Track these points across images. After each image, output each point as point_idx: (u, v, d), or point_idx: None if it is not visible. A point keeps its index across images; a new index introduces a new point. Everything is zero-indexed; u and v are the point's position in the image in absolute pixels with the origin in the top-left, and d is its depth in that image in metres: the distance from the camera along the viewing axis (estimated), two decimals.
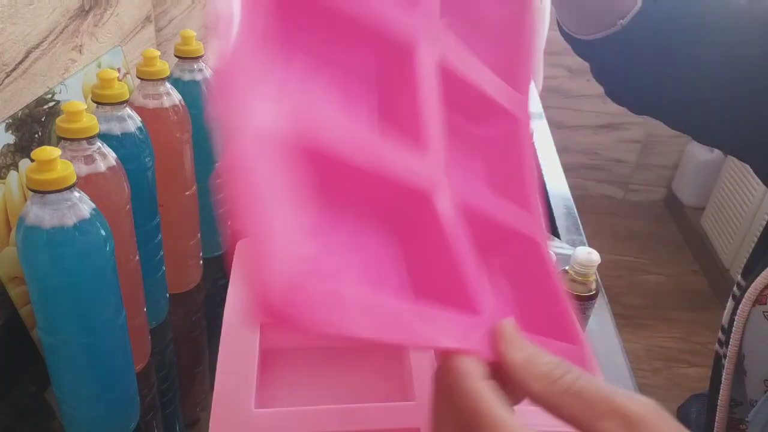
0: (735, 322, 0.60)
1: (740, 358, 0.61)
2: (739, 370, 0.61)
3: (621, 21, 0.56)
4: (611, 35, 0.57)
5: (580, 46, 0.61)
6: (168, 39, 0.97)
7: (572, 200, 1.03)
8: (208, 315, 0.76)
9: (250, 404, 0.46)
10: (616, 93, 0.63)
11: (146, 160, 0.59)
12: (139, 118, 0.59)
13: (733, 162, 2.20)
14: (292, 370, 0.53)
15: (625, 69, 0.60)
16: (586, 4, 0.58)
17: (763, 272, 0.59)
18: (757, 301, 0.59)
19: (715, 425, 0.62)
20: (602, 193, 2.70)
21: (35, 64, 0.65)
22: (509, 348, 0.29)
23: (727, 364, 0.61)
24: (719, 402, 0.61)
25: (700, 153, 2.41)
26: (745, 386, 0.60)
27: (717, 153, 2.38)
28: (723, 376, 0.61)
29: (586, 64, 0.63)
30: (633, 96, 0.63)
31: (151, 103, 0.62)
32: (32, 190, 0.45)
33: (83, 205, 0.46)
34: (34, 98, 0.65)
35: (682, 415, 0.81)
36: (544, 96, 1.65)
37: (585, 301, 0.71)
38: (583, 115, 2.46)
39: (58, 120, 0.50)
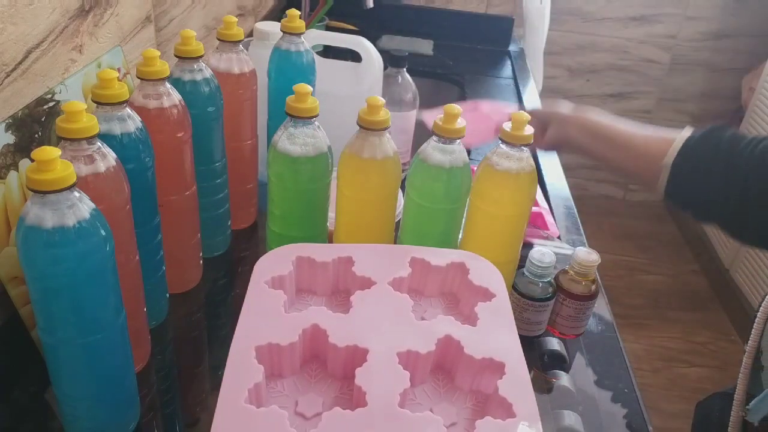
0: (756, 319, 0.60)
1: (758, 353, 0.61)
2: (757, 366, 0.61)
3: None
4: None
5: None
6: (168, 39, 0.97)
7: (572, 200, 1.03)
8: (208, 315, 0.76)
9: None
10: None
11: (146, 160, 0.59)
12: (139, 118, 0.59)
13: None
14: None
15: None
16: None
17: None
18: None
19: (731, 419, 0.62)
20: (602, 193, 2.70)
21: (35, 64, 0.65)
22: None
23: (745, 359, 0.61)
24: (735, 396, 0.62)
25: None
26: (761, 381, 0.61)
27: None
28: (740, 371, 0.61)
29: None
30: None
31: (151, 103, 0.62)
32: (32, 190, 0.44)
33: (83, 205, 0.46)
34: (34, 98, 0.65)
35: (701, 413, 0.81)
36: (544, 96, 1.65)
37: (585, 301, 0.71)
38: None
39: (58, 120, 0.49)
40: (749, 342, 0.61)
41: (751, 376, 0.62)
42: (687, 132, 0.74)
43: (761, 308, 0.60)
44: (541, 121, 0.83)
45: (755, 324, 0.60)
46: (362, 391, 0.47)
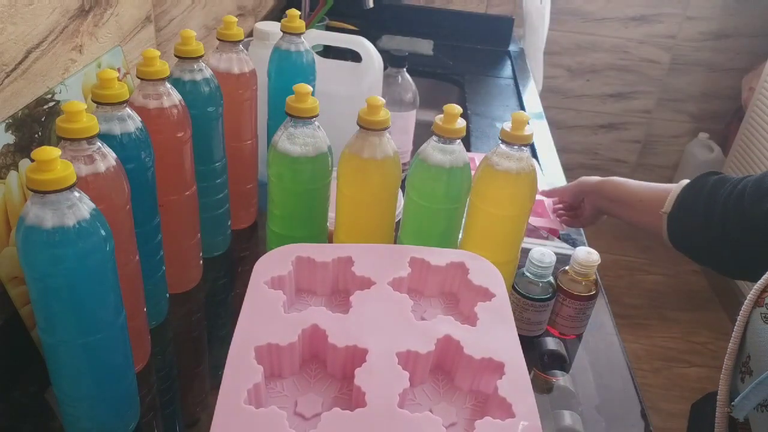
0: (737, 322, 0.61)
1: (741, 356, 0.61)
2: (743, 370, 0.61)
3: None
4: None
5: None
6: (168, 39, 0.97)
7: None
8: (208, 315, 0.76)
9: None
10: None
11: (146, 160, 0.59)
12: (139, 118, 0.59)
13: (733, 162, 2.20)
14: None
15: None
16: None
17: (765, 275, 0.60)
18: (757, 303, 0.60)
19: (716, 418, 0.62)
20: None
21: (35, 64, 0.65)
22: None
23: (726, 361, 0.62)
24: (718, 397, 0.62)
25: (700, 153, 2.41)
26: (744, 383, 0.61)
27: (717, 153, 2.38)
28: (722, 373, 0.62)
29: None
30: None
31: (151, 103, 0.62)
32: (32, 190, 0.44)
33: (83, 205, 0.46)
34: (34, 98, 0.65)
35: (695, 413, 0.81)
36: (544, 96, 1.65)
37: (585, 301, 0.71)
38: (583, 115, 2.46)
39: (58, 120, 0.49)
40: (729, 344, 0.62)
41: (733, 378, 0.62)
42: (684, 182, 0.79)
43: (741, 313, 0.61)
44: (575, 196, 0.93)
45: (735, 328, 0.61)
46: (362, 392, 0.47)
